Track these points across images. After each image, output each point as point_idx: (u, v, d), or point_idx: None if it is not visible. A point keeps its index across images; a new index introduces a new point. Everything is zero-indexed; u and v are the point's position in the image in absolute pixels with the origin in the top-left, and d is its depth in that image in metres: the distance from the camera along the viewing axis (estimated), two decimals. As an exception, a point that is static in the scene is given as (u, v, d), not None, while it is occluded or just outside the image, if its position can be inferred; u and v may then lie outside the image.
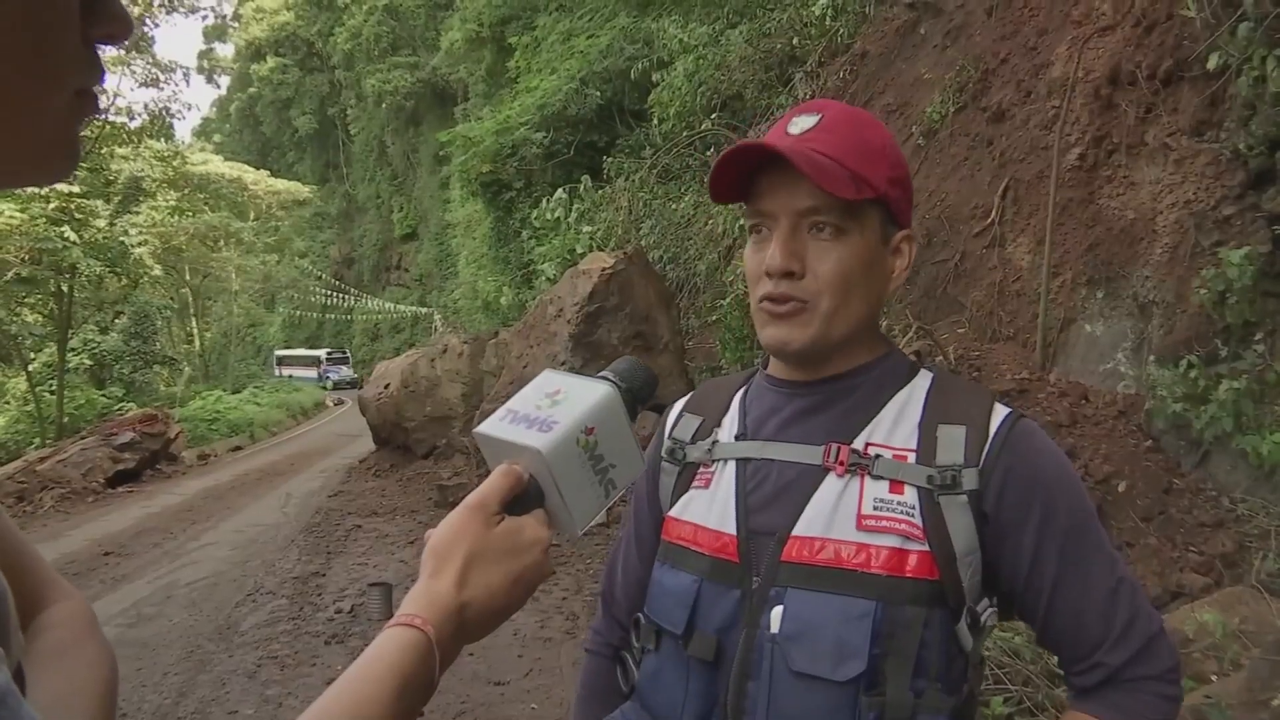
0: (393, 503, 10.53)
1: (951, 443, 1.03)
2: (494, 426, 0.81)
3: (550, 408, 0.80)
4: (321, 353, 50.09)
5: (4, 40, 0.46)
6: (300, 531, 9.19)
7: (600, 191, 13.37)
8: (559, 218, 13.18)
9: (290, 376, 48.21)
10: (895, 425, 1.07)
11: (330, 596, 6.58)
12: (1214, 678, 3.30)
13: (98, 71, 0.52)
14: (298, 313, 50.22)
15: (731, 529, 1.08)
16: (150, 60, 24.07)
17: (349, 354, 51.07)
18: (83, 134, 0.54)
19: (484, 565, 0.73)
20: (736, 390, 1.24)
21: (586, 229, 12.85)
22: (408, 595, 0.71)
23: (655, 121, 13.65)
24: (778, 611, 1.01)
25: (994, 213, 7.04)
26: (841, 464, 1.05)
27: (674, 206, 12.40)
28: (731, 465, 1.14)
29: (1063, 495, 1.03)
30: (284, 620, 6.07)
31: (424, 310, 45.87)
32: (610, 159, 14.59)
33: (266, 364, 50.81)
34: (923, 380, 1.12)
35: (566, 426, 0.78)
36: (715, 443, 1.18)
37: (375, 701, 0.63)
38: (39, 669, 0.68)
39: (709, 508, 1.13)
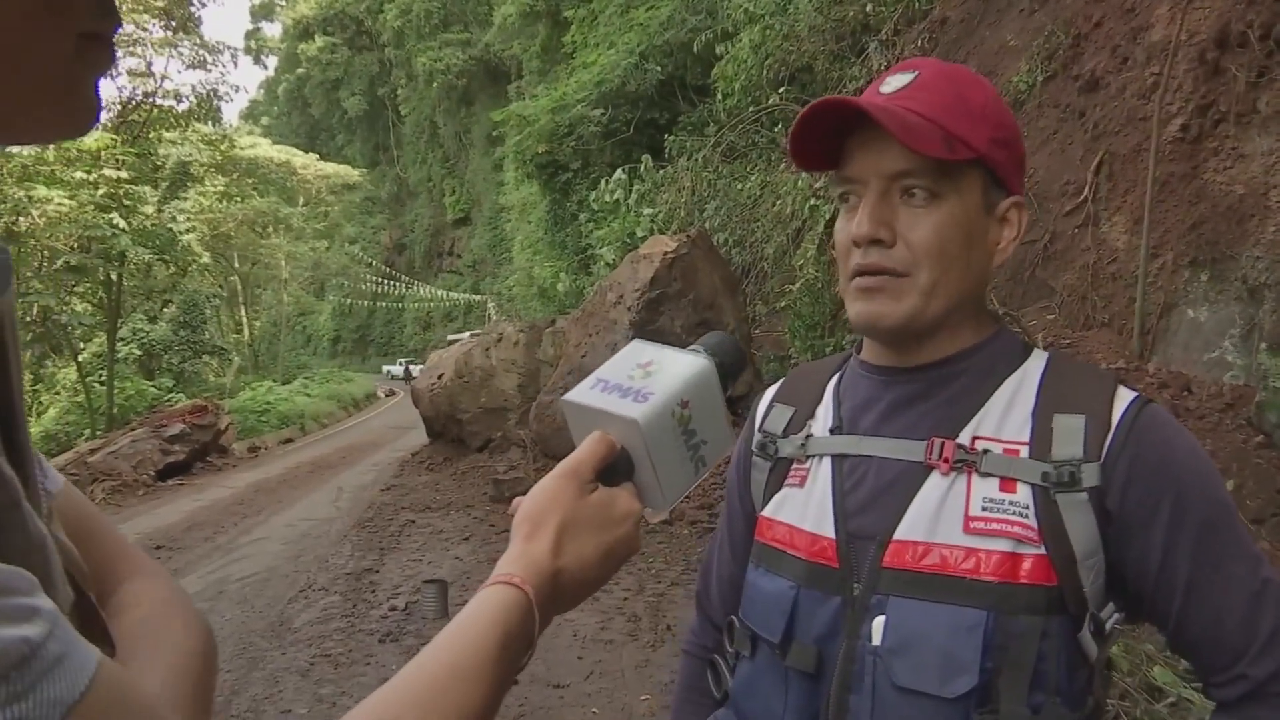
0: (447, 497, 10.64)
1: (1069, 434, 0.99)
2: (585, 395, 0.81)
3: (644, 379, 0.80)
4: None
5: None
6: (353, 526, 9.37)
7: (661, 171, 13.36)
8: (618, 199, 13.22)
9: None
10: (1006, 415, 1.03)
11: (384, 594, 6.69)
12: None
13: (111, 19, 0.53)
14: (348, 301, 50.87)
15: (830, 532, 1.06)
16: (197, 41, 24.59)
17: None
18: (100, 85, 0.55)
19: (577, 534, 0.73)
20: (829, 377, 1.20)
21: (647, 211, 12.87)
22: (502, 558, 0.72)
23: (719, 97, 13.59)
24: (879, 621, 0.98)
25: (1087, 190, 6.88)
26: (946, 461, 1.01)
27: (740, 186, 12.33)
28: (827, 462, 1.11)
29: (1196, 487, 0.98)
30: (337, 618, 6.19)
31: (477, 298, 46.20)
32: (672, 137, 14.58)
33: (318, 353, 50.58)
34: (1037, 363, 1.07)
35: (663, 398, 0.78)
36: (809, 437, 1.15)
37: (478, 655, 0.64)
38: (124, 656, 0.67)
39: (804, 508, 1.10)
